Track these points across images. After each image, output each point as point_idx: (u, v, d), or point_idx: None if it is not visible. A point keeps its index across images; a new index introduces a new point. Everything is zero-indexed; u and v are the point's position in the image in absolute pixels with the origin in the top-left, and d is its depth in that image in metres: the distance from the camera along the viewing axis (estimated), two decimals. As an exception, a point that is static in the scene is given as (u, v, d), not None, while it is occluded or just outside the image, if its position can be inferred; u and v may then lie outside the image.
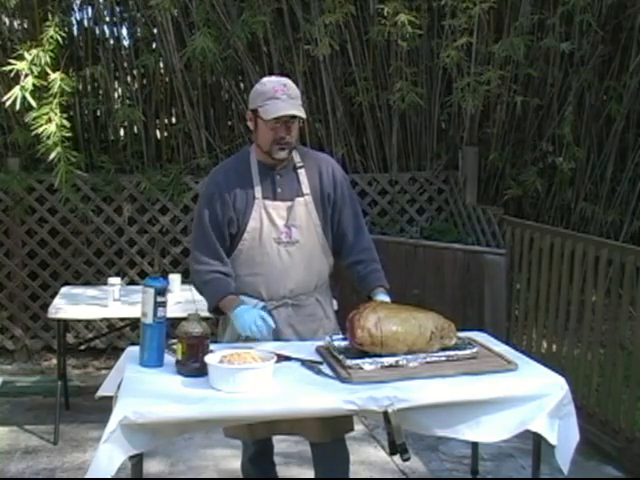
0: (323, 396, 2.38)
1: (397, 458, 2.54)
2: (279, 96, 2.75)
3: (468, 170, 5.64)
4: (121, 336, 5.47)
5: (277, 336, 2.87)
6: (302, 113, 2.78)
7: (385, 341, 2.57)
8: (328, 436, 2.89)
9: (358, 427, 4.14)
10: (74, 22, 5.82)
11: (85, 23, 5.79)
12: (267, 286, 2.86)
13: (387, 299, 2.88)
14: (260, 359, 2.46)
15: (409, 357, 2.59)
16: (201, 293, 2.92)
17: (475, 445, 3.28)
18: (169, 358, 2.62)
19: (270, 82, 2.85)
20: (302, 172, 2.90)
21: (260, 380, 2.41)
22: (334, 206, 2.93)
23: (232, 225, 2.84)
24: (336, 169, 2.98)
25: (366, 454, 4.00)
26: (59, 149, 4.88)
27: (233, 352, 2.49)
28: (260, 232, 2.84)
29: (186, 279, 5.18)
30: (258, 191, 2.84)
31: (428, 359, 2.61)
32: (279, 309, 2.88)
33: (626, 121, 5.94)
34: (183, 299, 4.26)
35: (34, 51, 4.91)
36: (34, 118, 4.90)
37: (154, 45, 5.74)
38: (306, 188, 2.89)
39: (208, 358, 2.46)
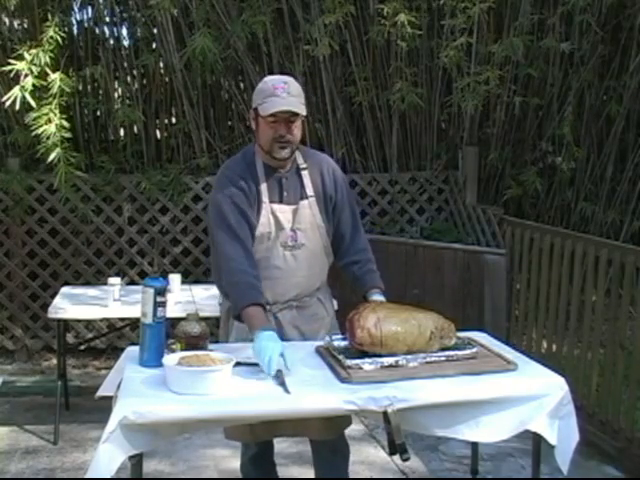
0: (323, 396, 2.38)
1: (397, 458, 2.54)
2: (279, 93, 2.74)
3: (468, 170, 5.64)
4: (121, 336, 5.46)
5: (282, 337, 2.86)
6: (301, 110, 2.76)
7: (385, 341, 2.57)
8: (332, 433, 2.90)
9: (358, 427, 4.14)
10: (74, 22, 5.82)
11: (85, 23, 5.79)
12: (273, 290, 2.83)
13: (382, 299, 2.87)
14: (219, 362, 2.42)
15: (409, 357, 2.59)
16: (227, 296, 2.83)
17: (475, 445, 3.28)
18: (169, 358, 2.62)
19: (271, 80, 2.83)
20: (305, 174, 2.88)
21: (217, 383, 2.38)
22: (335, 207, 2.92)
23: (252, 228, 2.79)
24: (336, 170, 2.97)
25: (366, 454, 3.99)
26: (59, 150, 4.88)
27: (192, 354, 2.46)
28: (268, 237, 2.81)
29: (186, 279, 5.21)
30: (265, 195, 2.81)
31: (428, 359, 2.61)
32: (283, 312, 2.88)
33: (626, 121, 5.94)
34: (183, 299, 4.26)
35: (34, 51, 4.91)
36: (34, 118, 4.89)
37: (154, 45, 5.74)
38: (310, 190, 2.87)
39: (166, 359, 2.44)
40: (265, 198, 2.81)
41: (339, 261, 2.99)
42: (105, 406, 2.51)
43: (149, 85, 5.83)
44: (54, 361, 5.35)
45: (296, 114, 2.75)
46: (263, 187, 2.81)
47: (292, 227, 2.83)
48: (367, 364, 2.54)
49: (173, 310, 3.65)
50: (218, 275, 2.85)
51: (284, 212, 2.82)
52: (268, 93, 2.75)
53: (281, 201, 2.84)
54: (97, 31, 5.75)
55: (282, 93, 2.74)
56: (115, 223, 5.55)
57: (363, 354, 2.59)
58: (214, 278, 2.96)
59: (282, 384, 2.42)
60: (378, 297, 2.88)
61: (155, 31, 5.64)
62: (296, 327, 2.90)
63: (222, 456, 3.95)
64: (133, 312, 3.96)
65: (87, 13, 5.79)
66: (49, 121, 4.87)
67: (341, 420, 2.86)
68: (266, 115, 2.73)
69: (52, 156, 4.87)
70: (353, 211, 2.99)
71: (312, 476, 3.15)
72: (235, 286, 2.72)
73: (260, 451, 3.04)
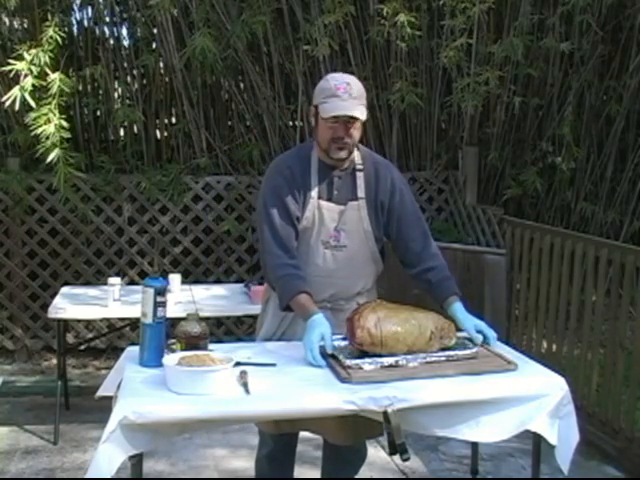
0: (323, 396, 2.38)
1: (397, 458, 2.54)
2: (340, 94, 2.68)
3: (468, 170, 5.64)
4: (121, 336, 5.47)
5: None
6: (362, 114, 2.70)
7: (385, 341, 2.57)
8: (349, 440, 2.85)
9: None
10: (74, 22, 5.81)
11: (85, 23, 5.79)
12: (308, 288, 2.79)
13: (462, 309, 2.80)
14: (219, 362, 2.42)
15: (409, 357, 2.59)
16: (275, 290, 2.84)
17: (475, 445, 3.28)
18: (169, 358, 2.62)
19: (334, 79, 2.76)
20: (360, 175, 2.83)
21: (217, 383, 2.37)
22: (389, 214, 2.86)
23: (292, 219, 2.77)
24: (395, 176, 2.92)
25: (366, 454, 3.99)
26: (58, 150, 4.88)
27: (192, 354, 2.46)
28: (310, 233, 2.79)
29: (186, 279, 5.21)
30: (315, 190, 2.78)
31: (428, 359, 2.61)
32: None
33: (626, 121, 5.94)
34: (183, 299, 4.26)
35: (34, 51, 4.90)
36: (34, 118, 4.89)
37: (154, 45, 5.74)
38: (361, 192, 2.82)
39: (166, 359, 2.44)
40: (314, 194, 2.78)
41: (411, 269, 2.91)
42: (105, 406, 2.51)
43: (149, 85, 5.83)
44: (54, 361, 5.35)
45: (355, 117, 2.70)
46: (314, 182, 2.78)
47: (337, 227, 2.80)
48: (367, 364, 2.54)
49: (173, 310, 3.65)
50: (265, 270, 2.87)
51: (330, 210, 2.79)
52: (329, 93, 2.70)
53: (330, 199, 2.80)
54: (97, 31, 5.75)
55: (343, 94, 2.68)
56: (115, 223, 5.55)
57: (363, 354, 2.59)
58: (263, 272, 2.98)
59: (244, 384, 2.41)
60: (458, 307, 2.79)
61: (155, 31, 5.64)
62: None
63: (222, 456, 3.95)
64: (133, 312, 3.96)
65: (87, 13, 5.78)
66: (48, 121, 4.86)
67: (364, 430, 2.77)
68: (326, 117, 2.69)
69: (51, 156, 4.86)
70: (418, 217, 2.93)
71: (311, 476, 3.15)
72: (277, 282, 2.75)
73: (277, 449, 2.98)
